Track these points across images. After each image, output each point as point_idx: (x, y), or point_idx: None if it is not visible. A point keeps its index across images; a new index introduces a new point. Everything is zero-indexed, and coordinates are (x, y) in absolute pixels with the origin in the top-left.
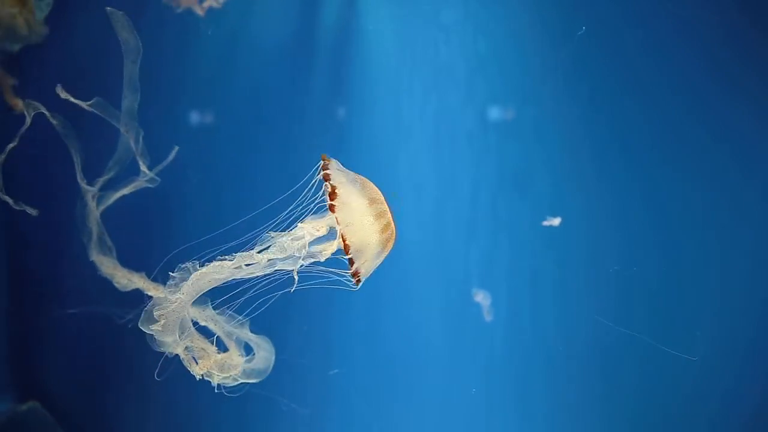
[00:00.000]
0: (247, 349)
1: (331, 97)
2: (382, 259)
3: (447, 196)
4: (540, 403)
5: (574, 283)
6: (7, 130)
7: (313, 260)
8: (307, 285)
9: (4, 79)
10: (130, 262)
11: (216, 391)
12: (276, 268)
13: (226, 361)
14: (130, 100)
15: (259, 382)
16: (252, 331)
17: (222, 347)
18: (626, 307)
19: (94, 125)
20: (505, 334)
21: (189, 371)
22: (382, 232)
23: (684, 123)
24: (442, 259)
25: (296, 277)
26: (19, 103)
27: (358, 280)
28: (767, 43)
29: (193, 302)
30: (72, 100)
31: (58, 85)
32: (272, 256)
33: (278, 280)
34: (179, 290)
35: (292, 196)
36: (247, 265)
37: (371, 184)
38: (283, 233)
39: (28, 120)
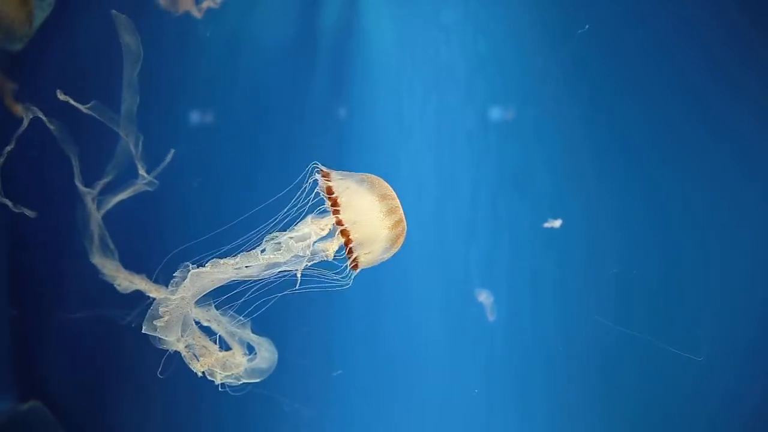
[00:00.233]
0: (250, 350)
1: (332, 97)
2: (391, 254)
3: (447, 196)
4: (540, 404)
5: (575, 283)
6: (7, 133)
7: (316, 260)
8: (310, 287)
9: (5, 84)
10: (130, 263)
11: (220, 389)
12: (279, 268)
13: (228, 359)
14: (129, 103)
15: (260, 382)
16: (253, 332)
17: (225, 347)
18: (626, 307)
19: (95, 127)
20: (505, 334)
21: (190, 371)
22: (392, 228)
23: (684, 123)
24: (442, 259)
25: (299, 277)
26: (18, 108)
27: (356, 266)
28: (767, 43)
29: (196, 302)
30: (72, 102)
31: (58, 90)
32: (276, 257)
33: (280, 281)
34: (181, 290)
35: (294, 196)
36: (247, 266)
37: (381, 182)
38: (287, 233)
39: (25, 123)
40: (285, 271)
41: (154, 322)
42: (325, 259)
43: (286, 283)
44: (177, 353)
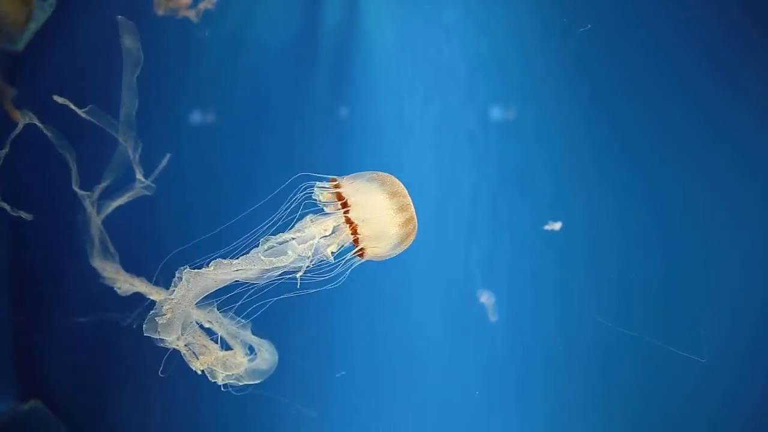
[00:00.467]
0: (250, 351)
1: (332, 96)
2: (400, 250)
3: (448, 196)
4: (541, 404)
5: (575, 283)
6: (7, 135)
7: (319, 260)
8: (310, 288)
9: (5, 90)
10: (130, 265)
11: (223, 390)
12: (282, 269)
13: (229, 359)
14: (128, 107)
15: (261, 383)
16: (254, 333)
17: (226, 348)
18: (627, 307)
19: (94, 131)
20: (505, 335)
21: (191, 371)
22: (403, 226)
23: (684, 123)
24: (442, 259)
25: (299, 278)
26: (17, 114)
27: (362, 254)
28: (767, 43)
29: (197, 304)
30: (71, 106)
31: (55, 95)
32: (278, 258)
33: (281, 281)
34: (182, 291)
35: (294, 196)
36: (249, 268)
37: (393, 179)
38: (287, 233)
39: (19, 127)
40: (285, 272)
41: (156, 319)
42: (325, 259)
43: (286, 284)
44: (177, 353)
